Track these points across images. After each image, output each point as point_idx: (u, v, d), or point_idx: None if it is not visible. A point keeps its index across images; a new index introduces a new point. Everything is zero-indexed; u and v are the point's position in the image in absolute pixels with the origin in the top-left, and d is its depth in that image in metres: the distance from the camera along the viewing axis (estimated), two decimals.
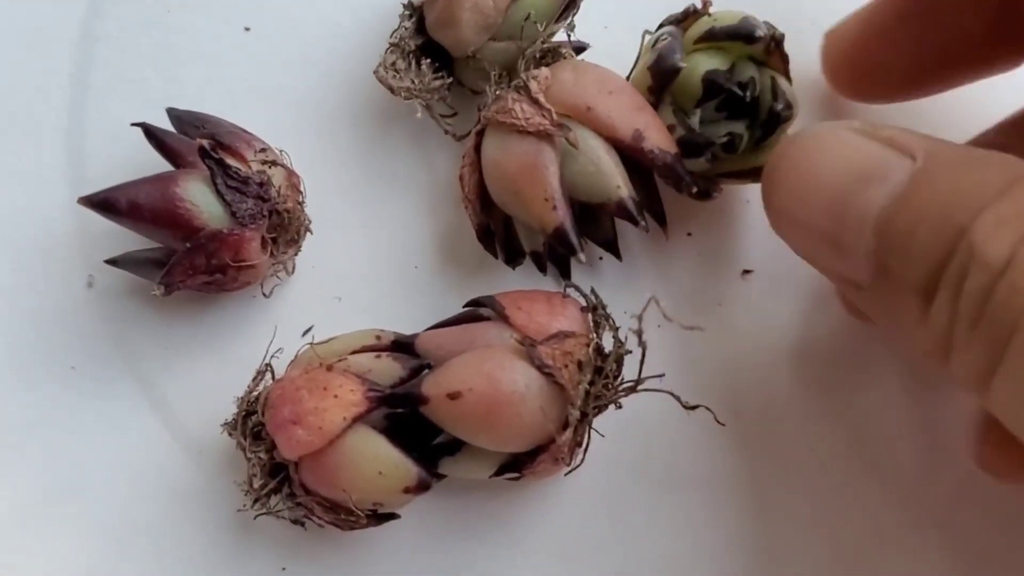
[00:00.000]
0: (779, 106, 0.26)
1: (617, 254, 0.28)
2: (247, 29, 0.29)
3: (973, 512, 0.28)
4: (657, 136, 0.25)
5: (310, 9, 0.29)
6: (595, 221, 0.27)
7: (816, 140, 0.22)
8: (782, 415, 0.28)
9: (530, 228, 0.27)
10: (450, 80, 0.27)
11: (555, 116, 0.25)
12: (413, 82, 0.26)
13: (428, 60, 0.27)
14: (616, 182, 0.25)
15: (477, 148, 0.26)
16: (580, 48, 0.28)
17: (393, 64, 0.26)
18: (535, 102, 0.25)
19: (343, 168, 0.29)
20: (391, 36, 0.27)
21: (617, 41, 0.30)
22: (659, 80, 0.26)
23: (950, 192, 0.19)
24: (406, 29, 0.27)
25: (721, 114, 0.27)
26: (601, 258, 0.29)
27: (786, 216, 0.23)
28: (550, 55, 0.26)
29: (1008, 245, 0.18)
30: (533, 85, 0.25)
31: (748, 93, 0.26)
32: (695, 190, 0.26)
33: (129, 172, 0.26)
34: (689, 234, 0.29)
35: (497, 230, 0.27)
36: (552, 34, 0.27)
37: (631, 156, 0.26)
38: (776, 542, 0.28)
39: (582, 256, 0.26)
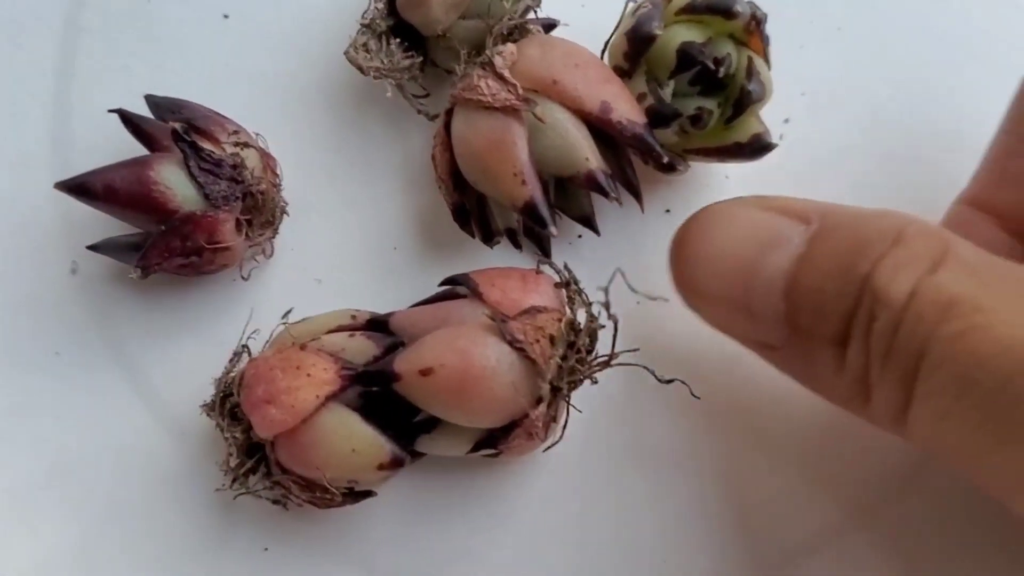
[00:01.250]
0: (750, 85, 0.26)
1: (595, 229, 0.28)
2: (226, 16, 0.30)
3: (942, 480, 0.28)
4: (625, 107, 0.25)
5: None
6: (571, 197, 0.28)
7: (714, 217, 0.23)
8: (758, 389, 0.28)
9: (503, 205, 0.27)
10: (420, 59, 0.27)
11: (521, 91, 0.25)
12: (383, 62, 0.26)
13: (398, 40, 0.27)
14: (584, 154, 0.25)
15: (447, 127, 0.26)
16: (550, 25, 0.28)
17: (364, 45, 0.26)
18: (500, 78, 0.25)
19: (321, 151, 0.29)
20: (362, 17, 0.27)
21: (595, 19, 0.30)
22: (634, 47, 0.26)
23: (848, 247, 0.21)
24: (377, 10, 0.27)
25: (695, 89, 0.26)
26: (580, 236, 0.29)
27: (696, 290, 0.24)
28: (517, 31, 0.26)
29: (909, 284, 0.20)
30: (498, 61, 0.25)
31: (722, 69, 0.26)
32: (665, 160, 0.26)
33: (112, 159, 0.27)
34: (668, 211, 0.29)
35: (472, 209, 0.27)
36: (527, 10, 0.27)
37: (600, 128, 0.26)
38: (753, 515, 0.27)
39: (554, 229, 0.26)
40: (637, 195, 0.27)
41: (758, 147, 0.27)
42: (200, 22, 0.30)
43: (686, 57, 0.26)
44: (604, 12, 0.30)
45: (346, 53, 0.27)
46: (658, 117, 0.26)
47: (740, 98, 0.26)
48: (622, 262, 0.28)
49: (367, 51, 0.26)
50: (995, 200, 0.26)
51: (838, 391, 0.22)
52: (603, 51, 0.28)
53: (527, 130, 0.25)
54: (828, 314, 0.21)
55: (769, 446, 0.28)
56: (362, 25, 0.27)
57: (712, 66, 0.26)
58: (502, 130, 0.25)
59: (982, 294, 0.19)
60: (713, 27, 0.26)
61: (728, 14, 0.26)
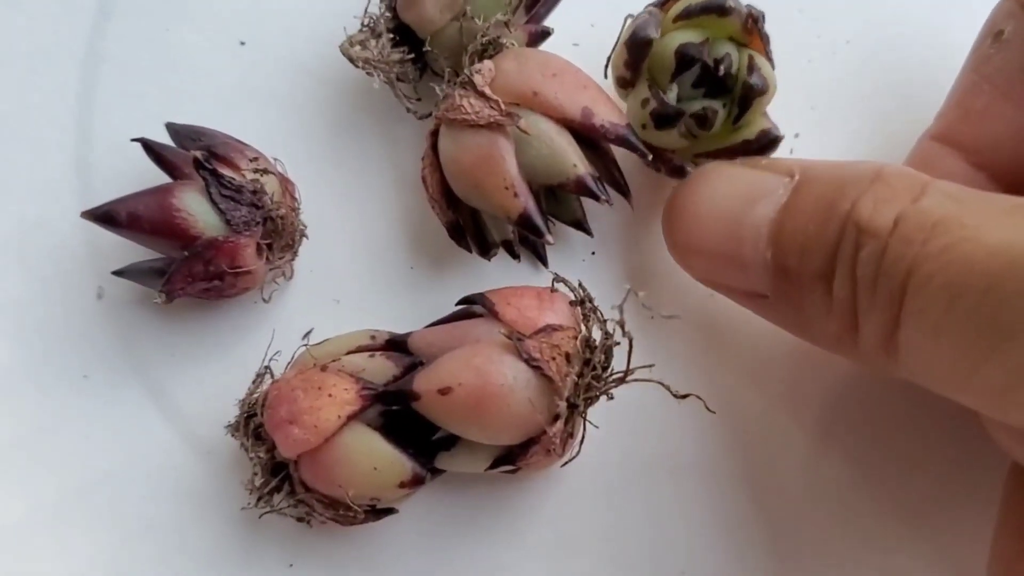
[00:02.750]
0: (752, 79, 0.26)
1: (588, 231, 0.28)
2: (242, 43, 0.30)
3: (957, 492, 0.28)
4: (606, 110, 0.26)
5: (302, 20, 0.30)
6: (562, 203, 0.28)
7: (703, 177, 0.25)
8: (773, 400, 0.28)
9: (497, 218, 0.27)
10: (411, 56, 0.27)
11: (503, 106, 0.25)
12: (374, 55, 0.27)
13: (392, 36, 0.27)
14: (572, 161, 0.26)
15: (434, 148, 0.27)
16: (544, 33, 0.28)
17: (360, 41, 0.27)
18: (482, 95, 0.26)
19: (339, 173, 0.30)
20: (363, 17, 0.27)
21: (604, 38, 0.30)
22: (633, 53, 0.26)
23: (829, 190, 0.22)
24: (380, 12, 0.27)
25: (699, 91, 0.27)
26: (594, 253, 0.29)
27: (689, 247, 0.25)
28: (492, 47, 0.27)
29: (892, 213, 0.21)
30: (478, 79, 0.26)
31: (723, 68, 0.26)
32: (650, 158, 0.26)
33: (134, 185, 0.27)
34: None
35: (466, 225, 0.28)
36: (502, 25, 0.27)
37: (584, 133, 0.26)
38: (772, 527, 0.28)
39: (550, 238, 0.26)
40: (626, 194, 0.28)
41: (767, 142, 0.27)
42: (217, 49, 0.30)
43: (684, 57, 0.26)
44: (614, 32, 0.30)
45: (340, 46, 0.27)
46: (662, 118, 0.26)
47: (744, 94, 0.26)
48: (637, 278, 0.29)
49: (360, 45, 0.27)
50: (959, 135, 0.26)
51: (828, 331, 0.23)
52: (605, 67, 0.28)
53: (513, 143, 0.26)
54: (813, 252, 0.22)
55: (785, 456, 0.28)
56: (362, 24, 0.27)
57: (712, 64, 0.26)
58: (489, 146, 0.26)
59: (965, 213, 0.20)
60: (711, 30, 0.27)
61: (722, 11, 0.26)
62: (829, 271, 0.22)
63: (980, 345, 0.19)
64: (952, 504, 0.28)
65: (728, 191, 0.25)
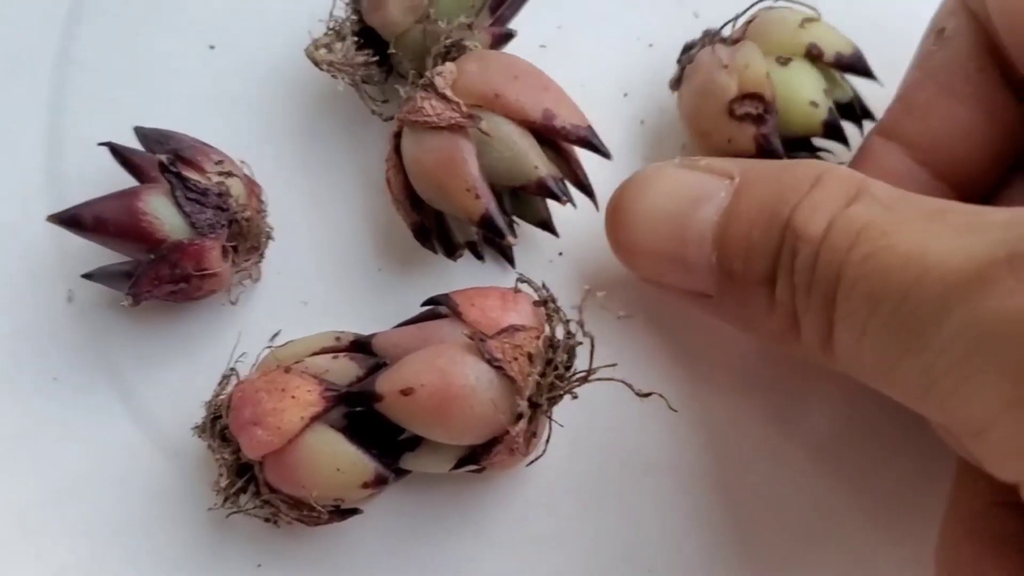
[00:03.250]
0: None
1: (553, 231, 0.29)
2: (212, 47, 0.30)
3: (924, 492, 0.28)
4: (567, 112, 0.26)
5: (272, 24, 0.31)
6: (527, 204, 0.28)
7: (645, 179, 0.26)
8: (742, 398, 0.28)
9: (461, 219, 0.27)
10: (376, 59, 0.28)
11: (464, 108, 0.26)
12: (339, 58, 0.27)
13: (357, 39, 0.27)
14: (533, 162, 0.26)
15: (397, 149, 0.27)
16: (507, 35, 0.28)
17: (326, 44, 0.27)
18: (443, 97, 0.26)
19: (306, 175, 0.30)
20: (329, 20, 0.28)
21: (571, 40, 0.31)
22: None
23: (770, 195, 0.23)
24: (346, 15, 0.28)
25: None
26: (561, 254, 0.29)
27: (632, 248, 0.26)
28: (455, 49, 0.27)
29: (824, 221, 0.22)
30: (439, 81, 0.26)
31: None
32: (611, 158, 0.27)
33: (105, 189, 0.28)
34: None
35: (431, 226, 0.28)
36: (465, 27, 0.27)
37: (546, 135, 0.26)
38: (741, 524, 0.28)
39: (511, 239, 0.27)
40: (590, 194, 0.28)
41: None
42: (187, 53, 0.30)
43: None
44: (579, 34, 0.30)
45: (305, 49, 0.27)
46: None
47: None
48: (604, 277, 0.29)
49: (326, 48, 0.27)
50: (903, 130, 0.27)
51: (771, 329, 0.24)
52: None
53: (475, 145, 0.26)
54: (756, 258, 0.23)
55: (755, 454, 0.28)
56: (328, 28, 0.28)
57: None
58: (451, 148, 0.26)
59: (888, 219, 0.21)
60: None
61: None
62: (772, 276, 0.23)
63: (897, 348, 0.20)
64: (923, 499, 0.28)
65: (671, 192, 0.25)
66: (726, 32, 0.28)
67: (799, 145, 0.28)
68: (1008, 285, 0.18)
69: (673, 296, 0.27)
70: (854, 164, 0.27)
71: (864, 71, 0.28)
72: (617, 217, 0.26)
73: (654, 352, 0.29)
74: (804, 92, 0.27)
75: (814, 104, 0.27)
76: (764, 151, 0.27)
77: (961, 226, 0.20)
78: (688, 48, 0.29)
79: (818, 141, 0.28)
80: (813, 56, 0.27)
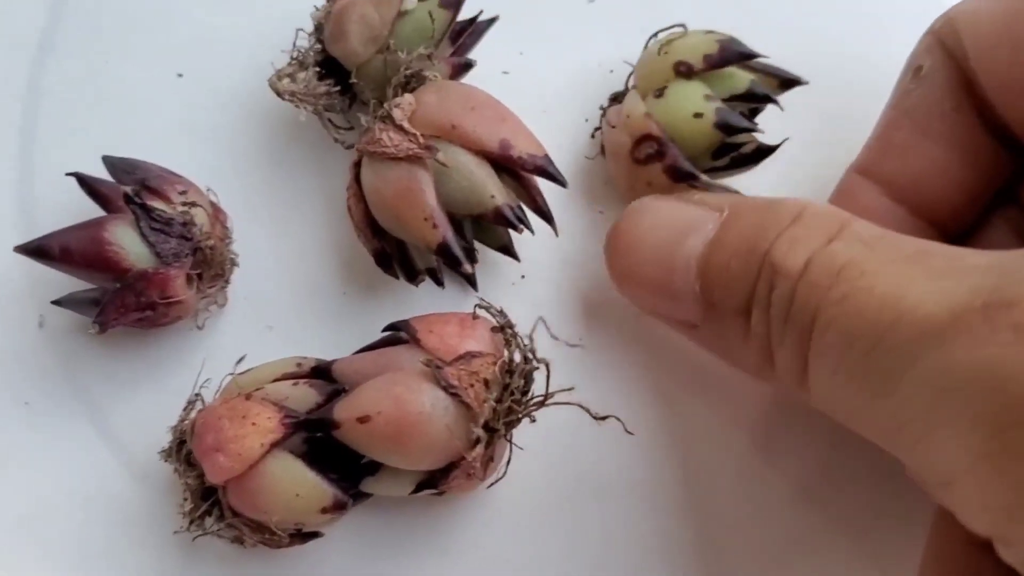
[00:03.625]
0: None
1: (514, 256, 0.29)
2: (180, 76, 0.31)
3: (883, 509, 0.28)
4: (524, 142, 0.27)
5: (239, 53, 0.31)
6: (489, 230, 0.29)
7: (639, 210, 0.26)
8: (693, 420, 0.29)
9: (419, 247, 0.28)
10: (338, 88, 0.28)
11: (422, 139, 0.26)
12: (301, 88, 0.27)
13: (319, 70, 0.28)
14: (489, 191, 0.27)
15: (357, 179, 0.27)
16: (467, 64, 0.29)
17: (289, 74, 0.28)
18: (401, 129, 0.26)
19: (272, 202, 0.30)
20: (292, 50, 0.28)
21: (533, 66, 0.31)
22: (726, 60, 0.27)
23: (751, 228, 0.23)
24: (309, 45, 0.28)
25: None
26: (524, 276, 0.30)
27: (625, 277, 0.27)
28: (414, 79, 0.27)
29: (804, 256, 0.22)
30: (397, 113, 0.26)
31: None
32: (567, 186, 0.27)
33: (75, 218, 0.28)
34: None
35: (392, 252, 0.28)
36: (424, 58, 0.28)
37: (503, 164, 0.27)
38: (700, 546, 0.28)
39: (468, 267, 0.27)
40: (549, 220, 0.28)
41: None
42: (155, 81, 0.31)
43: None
44: (542, 59, 0.31)
45: (269, 79, 0.28)
46: (729, 127, 0.27)
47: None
48: (565, 300, 0.30)
49: (288, 78, 0.28)
50: (880, 169, 0.27)
51: (748, 360, 0.24)
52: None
53: (433, 175, 0.26)
54: (734, 289, 0.23)
55: (708, 475, 0.29)
56: (292, 58, 0.28)
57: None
58: (408, 178, 0.26)
59: (868, 259, 0.21)
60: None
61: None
62: (748, 307, 0.23)
63: (868, 390, 0.20)
64: (887, 516, 0.29)
65: (662, 223, 0.26)
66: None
67: (730, 147, 0.28)
68: (981, 333, 0.18)
69: (667, 325, 0.27)
70: (831, 202, 0.27)
71: (737, 57, 0.27)
72: (613, 247, 0.27)
73: (613, 375, 0.29)
74: (683, 111, 0.27)
75: (698, 115, 0.27)
76: (680, 178, 0.27)
77: (940, 270, 0.20)
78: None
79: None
80: (683, 73, 0.27)
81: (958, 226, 0.27)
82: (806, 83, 0.28)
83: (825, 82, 0.30)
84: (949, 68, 0.26)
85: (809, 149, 0.30)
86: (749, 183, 0.29)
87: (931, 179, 0.26)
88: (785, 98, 0.28)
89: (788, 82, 0.28)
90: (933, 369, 0.19)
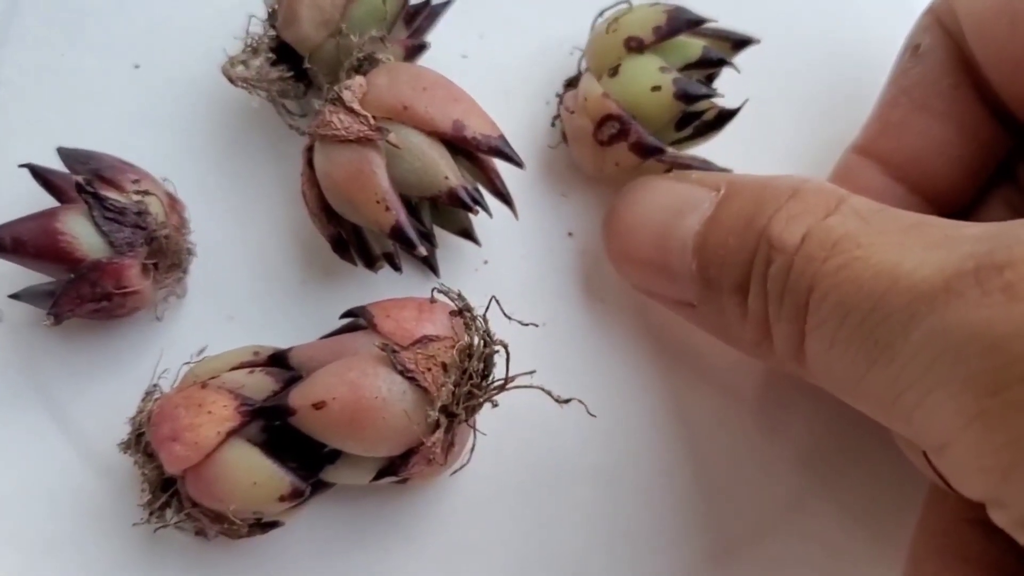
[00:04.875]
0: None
1: (475, 240, 0.29)
2: (136, 66, 0.31)
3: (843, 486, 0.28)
4: (478, 122, 0.26)
5: (195, 42, 0.31)
6: (448, 213, 0.29)
7: (637, 190, 0.26)
8: (653, 404, 0.29)
9: (375, 231, 0.28)
10: (291, 75, 0.28)
11: (372, 121, 0.26)
12: (253, 74, 0.27)
13: (271, 56, 0.28)
14: (443, 173, 0.26)
15: (310, 163, 0.27)
16: (420, 46, 0.29)
17: (242, 61, 0.28)
18: (351, 111, 0.26)
19: (229, 191, 0.30)
20: (245, 37, 0.28)
21: (493, 49, 0.31)
22: (673, 30, 0.27)
23: (749, 205, 0.23)
24: (263, 31, 0.28)
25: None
26: (487, 262, 0.30)
27: (622, 256, 0.27)
28: (366, 62, 0.27)
29: (800, 231, 0.22)
30: (347, 95, 0.26)
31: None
32: (524, 167, 0.27)
33: (29, 209, 0.28)
34: (570, 234, 0.30)
35: (349, 238, 0.28)
36: (376, 40, 0.27)
37: (457, 145, 0.26)
38: (664, 530, 0.28)
39: (422, 250, 0.27)
40: (508, 203, 0.28)
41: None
42: (112, 73, 0.31)
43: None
44: (503, 43, 0.31)
45: (222, 66, 0.28)
46: (688, 96, 0.27)
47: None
48: (529, 284, 0.30)
49: (242, 64, 0.27)
50: (879, 147, 0.27)
51: (745, 338, 0.24)
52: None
53: (384, 157, 0.26)
54: (731, 265, 0.23)
55: (670, 457, 0.28)
56: (245, 44, 0.28)
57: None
58: (359, 161, 0.26)
59: (865, 232, 0.21)
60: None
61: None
62: (746, 283, 0.23)
63: (864, 360, 0.20)
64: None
65: (659, 203, 0.26)
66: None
67: (692, 116, 0.28)
68: (973, 296, 0.18)
69: (663, 304, 0.27)
70: (831, 181, 0.27)
71: (686, 24, 0.27)
72: (610, 227, 0.27)
73: (577, 359, 0.29)
74: (640, 86, 0.27)
75: (655, 88, 0.27)
76: (647, 153, 0.27)
77: (935, 239, 0.20)
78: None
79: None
80: (635, 48, 0.27)
81: (956, 204, 0.27)
82: (758, 42, 0.28)
83: (781, 41, 0.30)
84: (947, 46, 0.26)
85: (771, 107, 0.30)
86: (715, 151, 0.29)
87: (930, 157, 0.26)
88: (741, 59, 0.28)
89: (740, 42, 0.28)
90: (928, 334, 0.19)
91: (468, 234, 0.29)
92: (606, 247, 0.27)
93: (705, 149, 0.29)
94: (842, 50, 0.31)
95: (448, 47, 0.30)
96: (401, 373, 0.25)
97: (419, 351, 0.25)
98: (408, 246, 0.26)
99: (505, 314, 0.24)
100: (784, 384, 0.29)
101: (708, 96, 0.27)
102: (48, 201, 0.28)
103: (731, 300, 0.24)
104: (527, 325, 0.24)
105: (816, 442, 0.29)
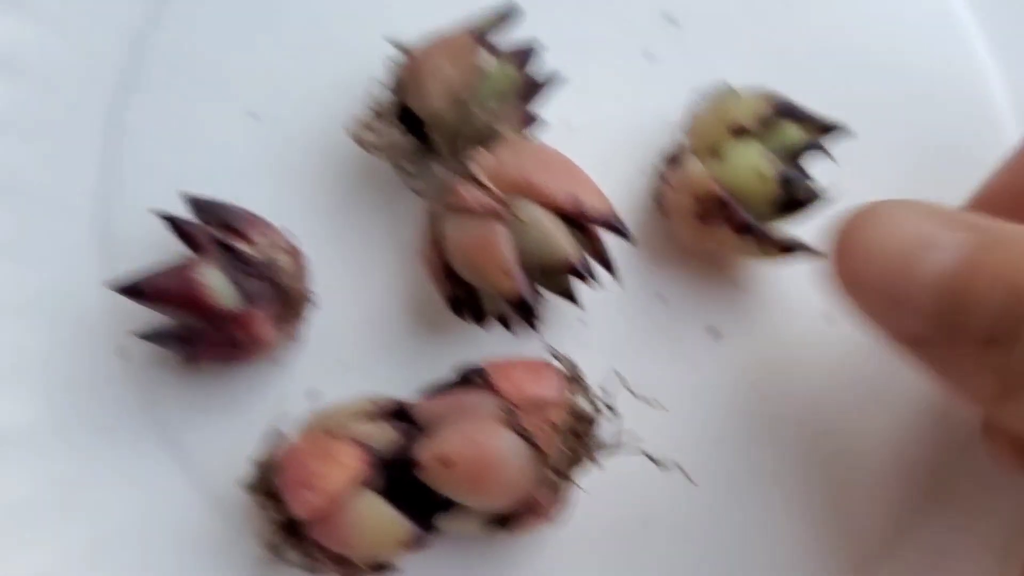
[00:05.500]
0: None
1: (576, 302, 0.30)
2: (255, 117, 0.32)
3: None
4: (592, 197, 0.28)
5: (312, 95, 0.32)
6: (554, 276, 0.30)
7: (877, 214, 0.25)
8: (754, 474, 0.31)
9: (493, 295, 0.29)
10: (416, 140, 0.29)
11: (500, 196, 0.28)
12: (380, 138, 0.29)
13: (398, 120, 0.29)
14: (564, 247, 0.28)
15: (435, 228, 0.29)
16: (536, 120, 0.30)
17: (367, 124, 0.29)
18: (481, 185, 0.28)
19: (347, 240, 0.32)
20: (369, 101, 0.29)
21: (595, 120, 0.33)
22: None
23: (1012, 261, 0.22)
24: (385, 96, 0.29)
25: None
26: (584, 322, 0.32)
27: (854, 281, 0.25)
28: (488, 135, 0.29)
29: None
30: (476, 169, 0.28)
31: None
32: (636, 243, 0.29)
33: (150, 252, 0.30)
34: (662, 297, 0.32)
35: (463, 298, 0.30)
36: (497, 115, 0.29)
37: (573, 218, 0.28)
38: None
39: (540, 323, 0.29)
40: (613, 272, 0.30)
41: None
42: (230, 121, 0.32)
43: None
44: (602, 115, 0.32)
45: (347, 129, 0.29)
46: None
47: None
48: (627, 346, 0.32)
49: (369, 129, 0.29)
50: None
51: (979, 390, 0.24)
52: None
53: (509, 229, 0.28)
54: (984, 316, 0.22)
55: (770, 525, 0.31)
56: (369, 107, 0.29)
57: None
58: (487, 232, 0.28)
59: None
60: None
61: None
62: (1003, 338, 0.22)
63: None
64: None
65: (901, 233, 0.24)
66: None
67: (793, 202, 0.29)
68: None
69: (886, 339, 0.26)
70: None
71: (791, 112, 0.29)
72: (842, 246, 0.26)
73: (680, 422, 0.31)
74: (746, 171, 0.29)
75: (760, 175, 0.29)
76: (748, 233, 0.29)
77: None
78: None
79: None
80: (739, 133, 0.29)
81: None
82: (844, 128, 0.30)
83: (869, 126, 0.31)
84: None
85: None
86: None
87: None
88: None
89: (827, 128, 0.30)
90: None
91: (571, 296, 0.31)
92: (835, 269, 0.26)
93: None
94: (934, 143, 0.33)
95: (552, 117, 0.31)
96: (520, 434, 0.27)
97: (535, 412, 0.27)
98: (528, 316, 0.28)
99: (631, 391, 0.26)
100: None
101: (807, 183, 0.29)
102: (165, 243, 0.29)
103: (977, 349, 0.23)
104: (638, 397, 0.26)
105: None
